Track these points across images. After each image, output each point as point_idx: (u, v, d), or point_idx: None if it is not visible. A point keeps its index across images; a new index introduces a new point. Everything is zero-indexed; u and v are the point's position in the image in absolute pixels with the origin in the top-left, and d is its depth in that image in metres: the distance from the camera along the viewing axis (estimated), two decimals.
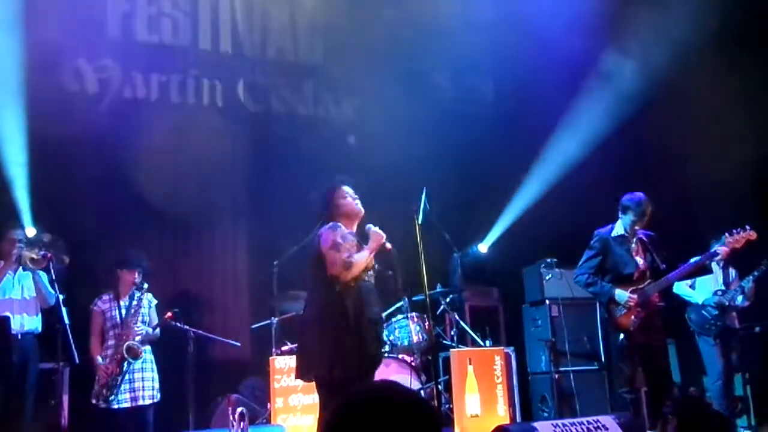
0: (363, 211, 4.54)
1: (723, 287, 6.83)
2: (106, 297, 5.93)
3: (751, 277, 6.75)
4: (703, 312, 6.83)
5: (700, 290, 6.91)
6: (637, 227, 5.70)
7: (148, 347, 5.90)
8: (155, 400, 5.81)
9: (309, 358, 4.40)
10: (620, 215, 5.77)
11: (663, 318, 5.67)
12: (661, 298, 5.63)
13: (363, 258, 4.37)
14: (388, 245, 4.51)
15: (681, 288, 6.89)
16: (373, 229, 4.49)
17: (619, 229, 5.75)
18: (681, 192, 8.46)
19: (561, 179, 8.06)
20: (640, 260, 5.66)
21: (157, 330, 5.98)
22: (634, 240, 5.72)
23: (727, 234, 5.60)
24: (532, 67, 8.25)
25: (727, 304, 6.74)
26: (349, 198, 4.56)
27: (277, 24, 8.22)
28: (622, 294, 5.53)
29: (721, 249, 5.54)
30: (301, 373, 4.46)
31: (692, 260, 5.59)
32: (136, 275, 5.91)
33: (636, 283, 5.59)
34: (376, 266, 4.58)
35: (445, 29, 8.19)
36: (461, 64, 8.77)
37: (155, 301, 6.06)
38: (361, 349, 4.29)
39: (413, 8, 8.06)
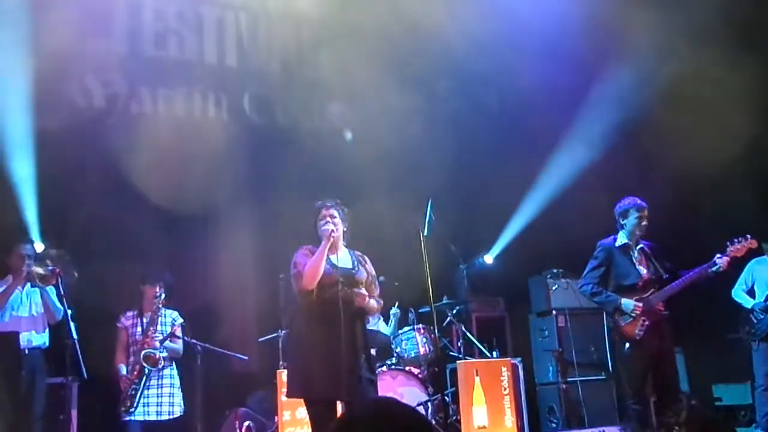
0: (333, 232, 4.51)
1: None
2: (129, 314, 5.98)
3: None
4: (751, 316, 6.66)
5: (759, 293, 6.74)
6: (638, 232, 5.70)
7: (171, 364, 5.94)
8: (174, 416, 5.82)
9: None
10: (620, 223, 5.77)
11: (670, 326, 5.66)
12: (666, 306, 5.62)
13: (314, 262, 4.43)
14: (333, 231, 4.51)
15: (738, 295, 6.82)
16: (323, 228, 4.55)
17: (621, 238, 5.75)
18: (684, 200, 8.45)
19: (566, 189, 8.07)
20: (643, 270, 5.66)
21: (178, 344, 6.00)
22: (637, 249, 5.73)
23: (728, 243, 5.56)
24: (535, 77, 8.26)
25: None
26: (325, 220, 4.59)
27: (282, 37, 8.27)
28: (628, 303, 5.54)
29: (721, 260, 5.50)
30: None
31: (694, 270, 5.56)
32: (158, 289, 5.94)
33: (640, 292, 5.59)
34: (358, 276, 4.58)
35: (450, 41, 8.22)
36: (466, 75, 8.79)
37: (181, 320, 6.09)
38: (305, 370, 4.36)
39: (418, 21, 8.10)
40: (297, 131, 8.12)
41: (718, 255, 5.52)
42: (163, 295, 5.91)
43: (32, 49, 6.45)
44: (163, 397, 5.80)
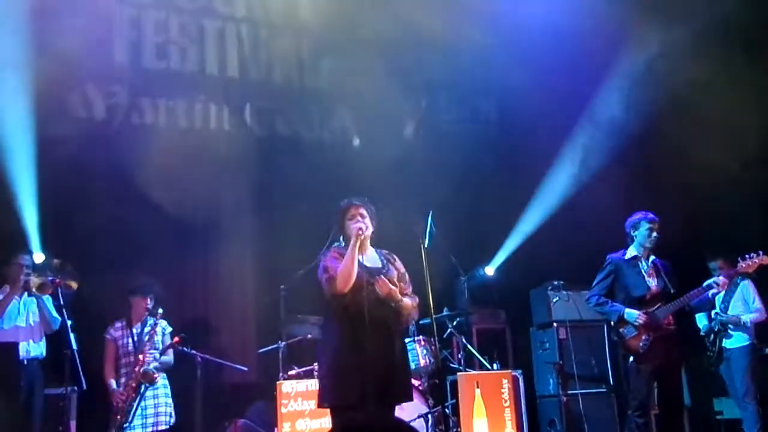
0: (364, 231, 4.34)
1: (718, 311, 6.78)
2: (118, 325, 5.97)
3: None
4: (705, 341, 6.87)
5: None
6: (648, 245, 5.67)
7: (163, 374, 5.93)
8: (170, 425, 5.82)
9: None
10: (631, 236, 5.76)
11: (677, 341, 5.63)
12: (673, 321, 5.59)
13: (345, 264, 4.23)
14: (362, 229, 4.32)
15: (699, 319, 6.98)
16: (352, 226, 4.37)
17: (631, 251, 5.74)
18: (687, 212, 8.43)
19: (567, 200, 8.05)
20: (652, 282, 5.63)
21: (170, 356, 6.00)
22: (648, 263, 5.70)
23: (739, 259, 5.58)
24: (536, 87, 8.27)
25: (717, 328, 6.73)
26: (355, 219, 4.40)
27: (283, 49, 8.28)
28: (631, 313, 5.50)
29: (719, 279, 5.54)
30: None
31: (701, 287, 5.57)
32: (149, 301, 5.95)
33: (647, 305, 5.55)
34: (389, 275, 4.37)
35: (449, 51, 8.24)
36: (465, 85, 8.80)
37: (170, 329, 6.10)
38: (336, 378, 4.17)
39: (417, 31, 8.12)
40: (298, 142, 8.13)
41: (720, 275, 5.56)
42: (160, 309, 5.92)
43: (34, 59, 6.46)
44: (159, 407, 5.80)
